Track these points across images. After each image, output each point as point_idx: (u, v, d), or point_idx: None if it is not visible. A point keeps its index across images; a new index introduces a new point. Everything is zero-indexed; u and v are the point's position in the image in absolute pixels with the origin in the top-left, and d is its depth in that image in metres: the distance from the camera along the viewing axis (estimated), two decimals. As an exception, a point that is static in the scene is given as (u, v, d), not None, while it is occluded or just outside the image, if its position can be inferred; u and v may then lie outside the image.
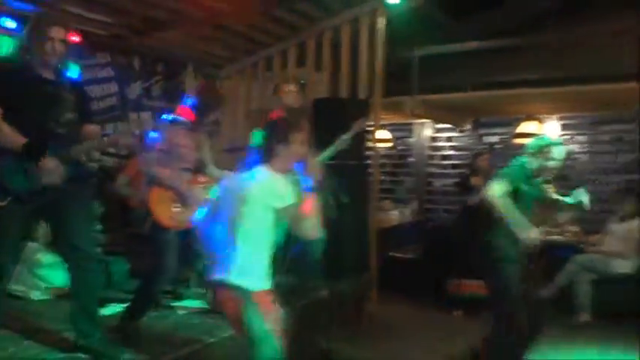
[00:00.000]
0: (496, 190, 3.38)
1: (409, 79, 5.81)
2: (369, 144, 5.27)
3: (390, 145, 7.85)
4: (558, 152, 3.54)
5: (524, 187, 3.49)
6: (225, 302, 2.44)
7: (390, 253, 6.33)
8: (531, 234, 3.38)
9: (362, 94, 5.34)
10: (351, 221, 4.54)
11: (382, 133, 7.24)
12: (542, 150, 3.50)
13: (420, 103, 5.48)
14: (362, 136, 4.87)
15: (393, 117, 6.93)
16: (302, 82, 4.57)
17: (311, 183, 2.54)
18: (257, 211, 2.36)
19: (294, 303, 3.67)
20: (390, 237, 6.54)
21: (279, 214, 2.37)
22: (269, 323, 2.31)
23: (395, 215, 7.29)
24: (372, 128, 5.23)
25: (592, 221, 6.07)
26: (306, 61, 5.79)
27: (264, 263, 2.39)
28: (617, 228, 5.13)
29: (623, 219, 5.18)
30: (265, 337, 2.29)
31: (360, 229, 4.88)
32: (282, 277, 4.11)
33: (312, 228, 2.51)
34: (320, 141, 4.14)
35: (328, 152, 4.08)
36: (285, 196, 2.37)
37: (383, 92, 5.24)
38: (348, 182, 4.44)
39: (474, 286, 5.06)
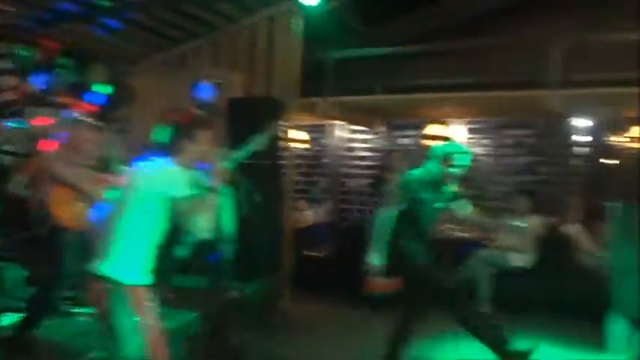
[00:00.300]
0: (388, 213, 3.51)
1: (324, 81, 5.89)
2: (284, 144, 5.29)
3: (305, 145, 7.92)
4: (463, 159, 3.63)
5: (426, 195, 3.58)
6: (95, 294, 2.38)
7: (305, 252, 6.40)
8: None
9: (277, 95, 5.36)
10: (264, 221, 4.54)
11: (297, 134, 7.30)
12: (447, 156, 3.58)
13: (333, 105, 5.57)
14: (276, 137, 4.88)
15: (308, 118, 7.00)
16: (216, 80, 4.52)
17: (212, 182, 2.53)
18: (146, 202, 2.32)
19: (205, 304, 3.63)
20: (305, 236, 6.60)
21: (172, 206, 2.34)
22: (140, 319, 2.26)
23: (309, 215, 7.37)
24: (286, 129, 5.26)
25: (493, 217, 6.46)
26: (220, 60, 5.72)
27: (143, 258, 2.35)
28: (514, 224, 5.49)
29: (519, 216, 5.55)
30: (131, 332, 2.25)
31: (274, 228, 4.89)
32: (193, 279, 4.06)
33: (205, 227, 2.50)
34: (234, 140, 4.13)
35: (242, 152, 4.06)
36: (180, 187, 2.36)
37: (298, 93, 5.29)
38: (262, 182, 4.43)
39: (385, 285, 5.21)
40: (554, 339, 4.61)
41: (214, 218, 2.57)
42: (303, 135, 7.66)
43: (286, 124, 5.23)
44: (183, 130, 2.48)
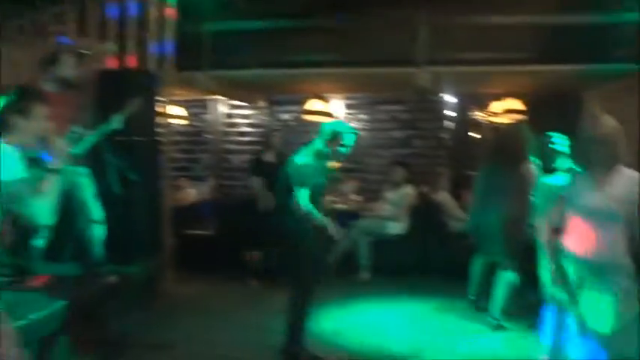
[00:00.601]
0: (302, 199, 3.53)
1: (202, 55, 5.69)
2: (161, 120, 5.06)
3: (184, 121, 7.65)
4: (349, 139, 3.72)
5: (318, 180, 3.64)
6: None
7: (187, 231, 6.24)
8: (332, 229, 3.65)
9: (151, 68, 5.08)
10: (141, 200, 4.34)
11: (175, 109, 7.02)
12: (335, 135, 3.64)
13: (212, 80, 5.41)
14: (152, 112, 4.65)
15: (187, 93, 6.75)
16: (83, 52, 4.17)
17: (53, 162, 2.32)
18: None
19: (76, 291, 3.39)
20: (187, 215, 6.43)
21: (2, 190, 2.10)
22: None
23: (191, 193, 7.18)
24: (164, 104, 5.02)
25: (371, 190, 6.77)
26: (87, 29, 5.27)
27: None
28: (390, 195, 5.80)
29: (394, 187, 5.86)
30: None
31: (153, 208, 4.69)
32: (64, 266, 3.77)
33: (45, 210, 2.28)
34: (105, 116, 3.85)
35: (105, 127, 3.78)
36: (11, 168, 2.12)
37: (174, 66, 5.06)
38: (137, 159, 4.21)
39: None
40: (426, 298, 4.99)
41: (54, 201, 2.28)
42: (182, 110, 7.38)
43: (163, 98, 5.00)
44: (14, 105, 2.23)
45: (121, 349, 3.57)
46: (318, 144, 3.68)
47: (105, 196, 3.86)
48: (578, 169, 2.62)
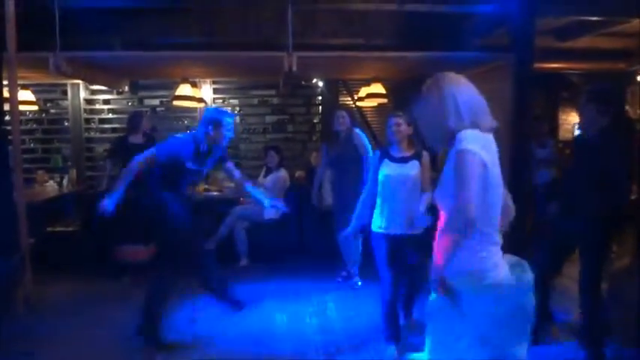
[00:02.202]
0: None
1: (54, 34, 5.19)
2: (8, 106, 4.55)
3: (35, 107, 6.98)
4: (229, 126, 3.68)
5: (190, 161, 3.57)
6: None
7: (48, 229, 5.76)
8: None
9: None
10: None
11: (25, 94, 6.38)
12: (216, 122, 3.61)
13: (67, 61, 4.96)
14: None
15: (39, 76, 6.15)
16: None
17: None
18: None
19: None
20: (47, 211, 5.93)
21: None
22: None
23: (51, 187, 6.61)
24: (8, 88, 4.51)
25: (246, 175, 6.74)
26: None
27: None
28: (265, 180, 5.83)
29: (269, 171, 5.90)
30: None
31: (5, 205, 4.25)
32: None
33: None
34: None
35: None
36: None
37: (20, 46, 4.55)
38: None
39: (138, 252, 5.06)
40: (304, 279, 5.14)
41: None
42: (32, 96, 6.71)
43: (5, 82, 4.50)
44: None
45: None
46: (198, 131, 3.64)
47: None
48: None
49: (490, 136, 1.95)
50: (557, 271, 3.63)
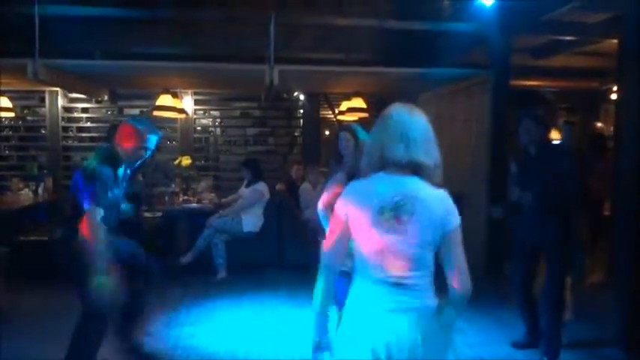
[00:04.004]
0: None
1: (33, 40, 5.14)
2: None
3: (11, 114, 6.87)
4: (152, 140, 3.12)
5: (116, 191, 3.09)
6: None
7: (22, 238, 5.64)
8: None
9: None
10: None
11: (4, 101, 6.30)
12: (135, 136, 3.06)
13: (43, 67, 4.90)
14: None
15: (16, 82, 6.07)
16: None
17: None
18: None
19: None
20: (21, 219, 5.82)
21: None
22: None
23: (26, 195, 6.49)
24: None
25: (226, 188, 6.74)
26: None
27: None
28: (244, 192, 5.81)
29: (248, 184, 5.88)
30: None
31: (-23, 213, 4.17)
32: None
33: None
34: None
35: None
36: None
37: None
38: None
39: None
40: (282, 293, 5.12)
41: None
42: (8, 102, 6.61)
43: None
44: None
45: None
46: (111, 146, 3.13)
47: None
48: None
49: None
50: (532, 282, 3.71)
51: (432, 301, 1.85)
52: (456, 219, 1.81)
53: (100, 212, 2.93)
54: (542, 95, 8.36)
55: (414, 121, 1.86)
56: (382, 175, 1.83)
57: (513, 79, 5.75)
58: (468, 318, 4.36)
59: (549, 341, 3.50)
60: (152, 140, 3.12)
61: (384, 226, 1.78)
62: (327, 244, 1.92)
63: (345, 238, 1.88)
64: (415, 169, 1.81)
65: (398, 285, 1.80)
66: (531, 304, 3.69)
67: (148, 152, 3.16)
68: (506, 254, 5.69)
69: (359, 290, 1.90)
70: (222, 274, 5.59)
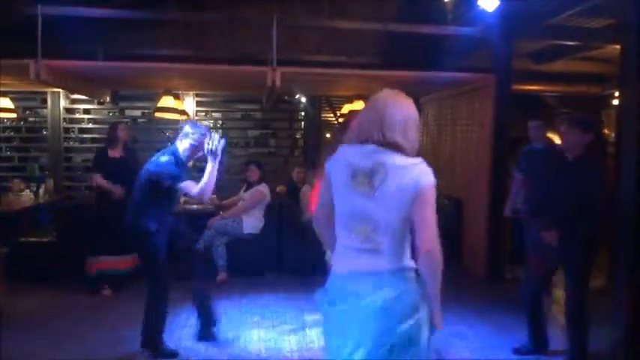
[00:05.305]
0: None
1: (35, 41, 5.15)
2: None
3: (13, 115, 6.87)
4: (212, 140, 3.54)
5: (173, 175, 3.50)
6: None
7: (22, 239, 5.64)
8: None
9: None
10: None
11: (3, 102, 6.30)
12: (196, 137, 3.57)
13: (46, 68, 4.90)
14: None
15: (18, 83, 6.08)
16: None
17: None
18: None
19: None
20: (22, 221, 5.82)
21: None
22: None
23: (27, 196, 6.49)
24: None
25: (227, 189, 6.73)
26: None
27: None
28: (245, 194, 5.80)
29: (250, 186, 5.88)
30: None
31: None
32: None
33: None
34: None
35: None
36: None
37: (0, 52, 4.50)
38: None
39: (118, 262, 5.00)
40: (282, 295, 5.11)
41: None
42: (10, 103, 6.61)
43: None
44: None
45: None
46: (179, 144, 3.61)
47: None
48: None
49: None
50: (545, 291, 3.69)
51: (400, 266, 1.86)
52: (426, 180, 1.84)
53: None
54: (544, 101, 8.38)
55: (394, 104, 1.94)
56: (359, 146, 1.92)
57: (514, 84, 5.75)
58: (469, 322, 4.36)
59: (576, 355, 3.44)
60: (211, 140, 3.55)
61: (356, 191, 1.87)
62: (314, 208, 2.07)
63: (330, 201, 1.98)
64: (394, 149, 1.88)
65: (364, 249, 1.87)
66: (540, 312, 3.66)
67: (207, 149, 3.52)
68: (507, 259, 5.69)
69: (336, 254, 1.99)
70: (222, 275, 5.58)
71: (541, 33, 5.62)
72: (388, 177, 1.83)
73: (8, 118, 7.16)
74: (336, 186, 1.94)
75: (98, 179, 5.03)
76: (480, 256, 5.69)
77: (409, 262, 1.88)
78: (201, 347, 3.85)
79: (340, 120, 7.66)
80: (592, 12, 4.84)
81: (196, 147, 3.60)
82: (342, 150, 1.96)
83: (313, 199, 2.97)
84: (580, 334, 3.44)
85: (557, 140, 7.36)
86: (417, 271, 1.85)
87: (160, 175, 3.49)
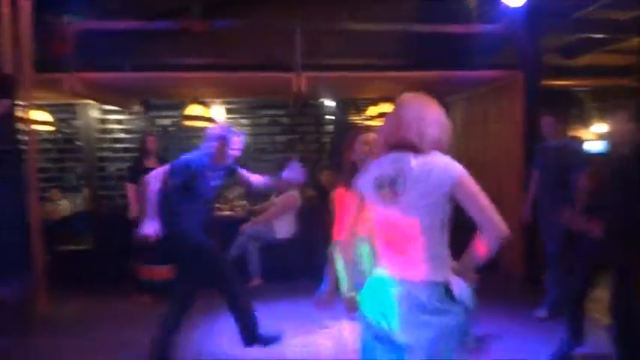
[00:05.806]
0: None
1: (67, 55, 5.32)
2: (24, 126, 4.65)
3: (51, 127, 7.09)
4: (239, 142, 3.73)
5: (203, 178, 3.58)
6: None
7: (61, 247, 5.81)
8: None
9: (7, 69, 4.62)
10: (6, 216, 3.96)
11: (40, 115, 6.50)
12: (223, 139, 3.64)
13: (80, 82, 5.06)
14: (11, 118, 4.26)
15: (52, 96, 6.27)
16: None
17: None
18: None
19: None
20: (61, 229, 5.99)
21: None
22: None
23: (64, 205, 6.69)
24: (24, 108, 4.61)
25: (257, 195, 6.80)
26: None
27: None
28: (276, 199, 5.85)
29: (280, 191, 5.92)
30: None
31: (18, 224, 4.30)
32: None
33: None
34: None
35: None
36: None
37: (34, 67, 4.66)
38: (-2, 171, 3.85)
39: (161, 271, 5.08)
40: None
41: None
42: (48, 116, 6.83)
43: (24, 103, 4.60)
44: None
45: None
46: (207, 147, 3.66)
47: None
48: None
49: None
50: (589, 293, 3.56)
51: (431, 274, 1.85)
52: (454, 171, 1.83)
53: None
54: (576, 95, 8.22)
55: (410, 104, 1.96)
56: (384, 157, 1.97)
57: (544, 79, 5.66)
58: (504, 324, 4.31)
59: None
60: (237, 142, 3.79)
61: (384, 201, 1.92)
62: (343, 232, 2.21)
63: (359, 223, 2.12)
64: (410, 149, 1.90)
65: (394, 257, 1.93)
66: (582, 315, 3.53)
67: (234, 152, 3.75)
68: (543, 260, 5.57)
69: (376, 260, 2.05)
70: (256, 281, 5.61)
71: (567, 27, 5.53)
72: (408, 181, 1.85)
73: (45, 131, 7.39)
74: (368, 201, 2.02)
75: (130, 191, 5.15)
76: (516, 257, 5.59)
77: (444, 272, 1.87)
78: (238, 351, 3.86)
79: (367, 123, 7.65)
80: (617, 4, 4.74)
81: (222, 146, 3.64)
82: (370, 166, 2.03)
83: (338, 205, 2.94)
84: (629, 337, 3.27)
85: (584, 136, 7.21)
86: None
87: (189, 167, 3.53)
